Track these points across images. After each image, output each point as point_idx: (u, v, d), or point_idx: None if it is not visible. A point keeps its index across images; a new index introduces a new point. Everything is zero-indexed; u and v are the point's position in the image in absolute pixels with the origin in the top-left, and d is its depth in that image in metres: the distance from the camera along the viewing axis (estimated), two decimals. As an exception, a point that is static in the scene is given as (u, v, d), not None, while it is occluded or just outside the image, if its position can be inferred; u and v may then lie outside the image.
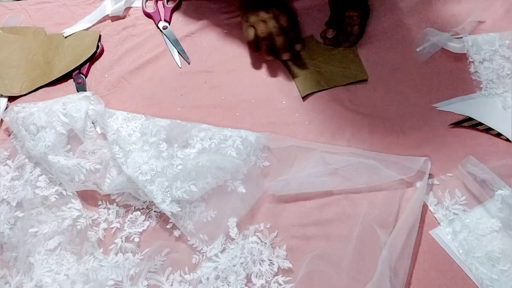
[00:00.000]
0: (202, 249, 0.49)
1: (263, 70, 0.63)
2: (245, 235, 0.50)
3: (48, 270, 0.49)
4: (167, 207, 0.50)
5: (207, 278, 0.47)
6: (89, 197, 0.54)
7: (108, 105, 0.62)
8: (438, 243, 0.48)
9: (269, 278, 0.47)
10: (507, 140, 0.53)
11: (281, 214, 0.51)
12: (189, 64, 0.65)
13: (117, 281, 0.48)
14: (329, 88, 0.60)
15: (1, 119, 0.61)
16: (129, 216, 0.53)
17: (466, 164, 0.51)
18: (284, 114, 0.59)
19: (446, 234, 0.48)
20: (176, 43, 0.67)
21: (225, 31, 0.68)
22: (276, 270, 0.48)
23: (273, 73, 0.63)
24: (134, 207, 0.53)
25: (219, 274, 0.47)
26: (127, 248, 0.50)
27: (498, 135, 0.53)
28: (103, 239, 0.51)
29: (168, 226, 0.51)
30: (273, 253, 0.48)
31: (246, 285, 0.47)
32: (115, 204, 0.53)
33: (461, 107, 0.56)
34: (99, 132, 0.58)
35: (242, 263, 0.48)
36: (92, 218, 0.52)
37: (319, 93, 0.60)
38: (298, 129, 0.57)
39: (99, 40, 0.68)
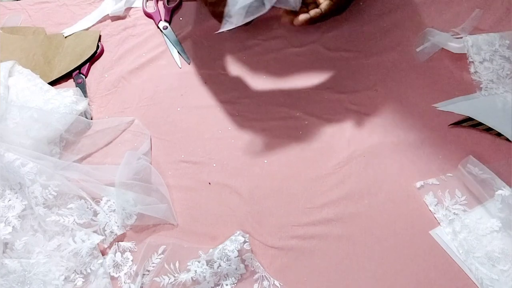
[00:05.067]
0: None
1: (264, 70, 0.63)
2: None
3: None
4: None
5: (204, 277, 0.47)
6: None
7: (108, 105, 0.62)
8: (438, 243, 0.48)
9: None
10: (507, 140, 0.53)
11: (281, 214, 0.51)
12: (189, 64, 0.65)
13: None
14: None
15: None
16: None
17: (466, 164, 0.51)
18: (284, 113, 0.59)
19: (446, 234, 0.48)
20: (176, 43, 0.67)
21: (225, 31, 0.68)
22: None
23: (273, 72, 0.63)
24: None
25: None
26: (125, 247, 0.51)
27: (498, 135, 0.53)
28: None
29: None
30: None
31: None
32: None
33: (461, 107, 0.56)
34: None
35: (236, 269, 0.48)
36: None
37: (319, 93, 0.60)
38: (298, 129, 0.57)
39: (99, 40, 0.68)
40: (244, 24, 0.54)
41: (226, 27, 0.53)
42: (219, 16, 0.56)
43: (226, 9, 0.53)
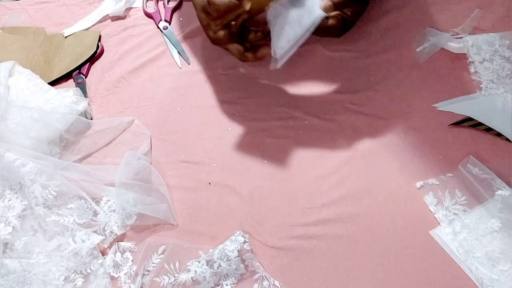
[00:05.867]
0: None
1: (264, 70, 0.63)
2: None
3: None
4: None
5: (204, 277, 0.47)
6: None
7: (108, 105, 0.62)
8: (438, 243, 0.48)
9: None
10: (507, 140, 0.53)
11: (281, 214, 0.51)
12: (189, 64, 0.65)
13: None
14: None
15: None
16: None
17: (466, 164, 0.51)
18: (284, 113, 0.59)
19: (446, 234, 0.48)
20: (176, 43, 0.67)
21: (225, 31, 0.68)
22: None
23: (273, 73, 0.63)
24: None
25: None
26: (125, 247, 0.51)
27: (498, 135, 0.53)
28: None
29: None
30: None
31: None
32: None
33: (461, 107, 0.56)
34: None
35: (236, 269, 0.48)
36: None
37: (319, 93, 0.60)
38: (298, 129, 0.57)
39: (99, 40, 0.68)
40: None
41: (279, 64, 0.53)
42: (216, 43, 0.57)
43: (272, 49, 0.52)
